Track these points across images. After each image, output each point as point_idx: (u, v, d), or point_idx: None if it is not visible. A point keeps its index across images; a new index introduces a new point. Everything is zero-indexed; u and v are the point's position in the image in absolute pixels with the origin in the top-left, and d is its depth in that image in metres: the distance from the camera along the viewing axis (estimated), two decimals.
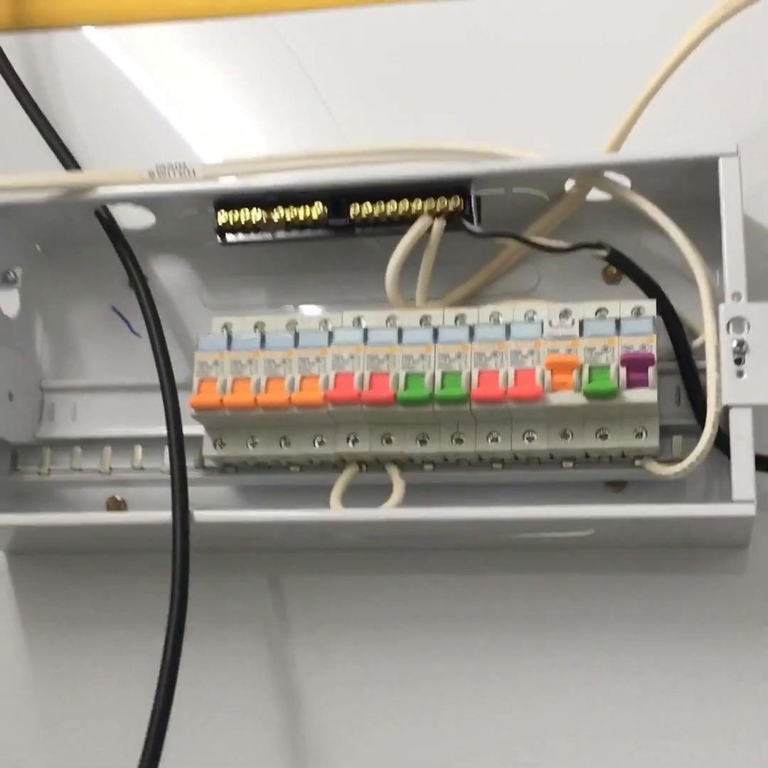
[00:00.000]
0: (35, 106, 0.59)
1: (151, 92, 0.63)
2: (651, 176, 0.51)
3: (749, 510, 0.46)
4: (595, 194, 0.53)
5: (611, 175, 0.52)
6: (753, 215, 0.54)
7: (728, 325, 0.47)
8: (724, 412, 0.47)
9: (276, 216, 0.53)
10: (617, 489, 0.52)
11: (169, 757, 0.48)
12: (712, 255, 0.49)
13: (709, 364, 0.48)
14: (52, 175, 0.55)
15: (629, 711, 0.52)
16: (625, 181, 0.52)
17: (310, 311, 0.56)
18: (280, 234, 0.54)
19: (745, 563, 0.52)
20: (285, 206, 0.53)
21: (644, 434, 0.49)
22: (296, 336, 0.51)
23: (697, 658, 0.51)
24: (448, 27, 0.59)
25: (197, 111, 0.62)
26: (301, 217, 0.53)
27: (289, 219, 0.53)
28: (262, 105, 0.62)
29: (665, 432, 0.50)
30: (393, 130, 0.58)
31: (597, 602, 0.52)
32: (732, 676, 0.51)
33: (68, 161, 0.58)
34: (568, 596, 0.53)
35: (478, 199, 0.52)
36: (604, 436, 0.49)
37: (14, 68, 0.61)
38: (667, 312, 0.51)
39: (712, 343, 0.48)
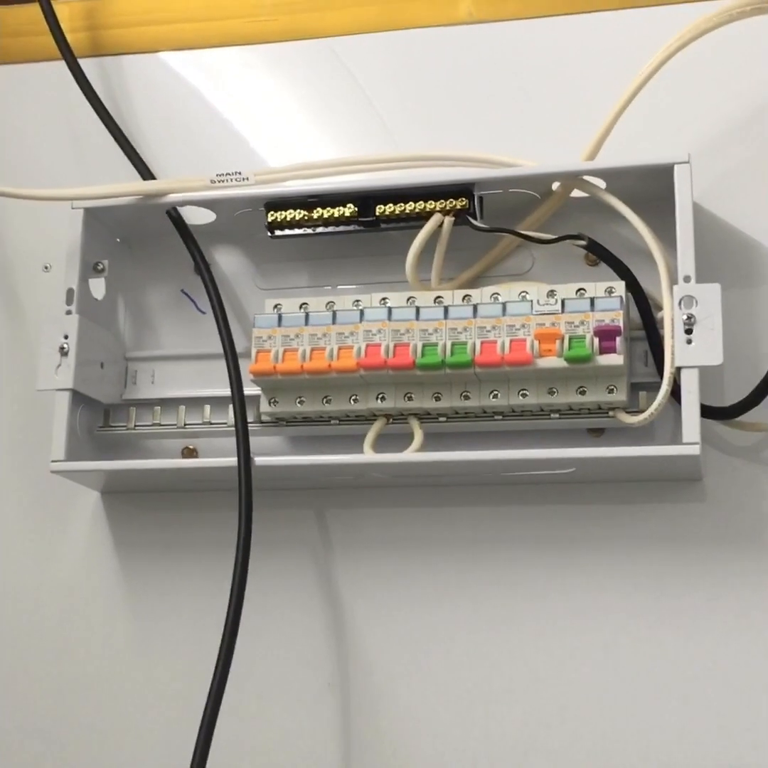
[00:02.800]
0: (117, 126, 0.71)
1: (222, 108, 0.74)
2: (621, 179, 0.62)
3: (695, 450, 0.57)
4: (577, 193, 0.64)
5: (589, 178, 0.63)
6: (711, 209, 0.65)
7: (680, 302, 0.58)
8: (679, 372, 0.58)
9: (315, 215, 0.65)
10: (597, 435, 0.64)
11: (238, 651, 0.60)
12: (671, 242, 0.60)
13: (666, 333, 0.59)
14: (132, 185, 0.67)
15: (612, 616, 0.63)
16: (600, 183, 0.63)
17: (346, 291, 0.67)
18: (319, 229, 0.65)
19: (704, 494, 0.63)
20: (323, 207, 0.65)
21: (615, 390, 0.60)
22: (334, 314, 0.63)
23: (661, 571, 0.62)
24: (463, 52, 0.70)
25: (262, 123, 0.73)
26: (336, 215, 0.64)
27: (326, 216, 0.65)
28: (319, 116, 0.73)
29: (636, 388, 0.62)
30: (423, 137, 0.69)
31: (581, 528, 0.64)
32: (694, 585, 0.62)
33: (145, 172, 0.69)
34: (558, 523, 0.64)
35: (481, 198, 0.64)
36: (583, 392, 0.60)
37: (96, 91, 0.72)
38: (636, 290, 0.62)
39: (669, 316, 0.59)
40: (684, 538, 0.63)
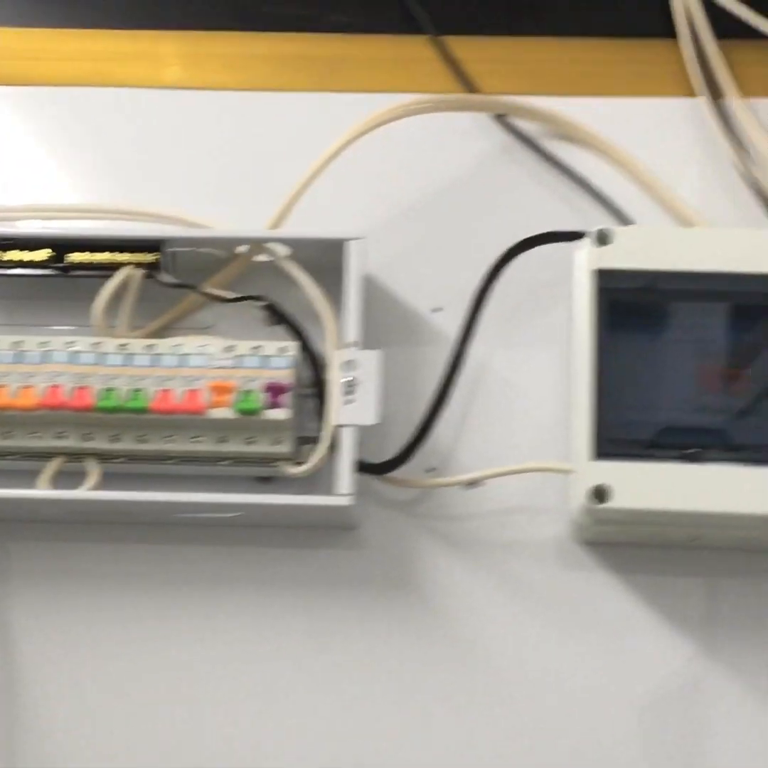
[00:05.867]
0: None
1: None
2: (302, 248, 0.67)
3: (347, 501, 0.62)
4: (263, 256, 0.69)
5: (273, 245, 0.68)
6: (386, 281, 0.71)
7: (343, 365, 0.64)
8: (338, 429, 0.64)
9: (6, 257, 0.67)
10: (266, 482, 0.68)
11: None
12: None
13: (328, 393, 0.64)
14: None
15: (271, 650, 0.67)
16: (284, 250, 0.68)
17: (37, 332, 0.70)
18: (12, 271, 0.68)
19: (359, 542, 0.68)
20: (20, 249, 0.67)
21: (280, 442, 0.65)
22: (20, 354, 0.65)
23: (317, 610, 0.67)
24: (169, 115, 0.75)
25: None
26: (27, 260, 0.67)
27: (16, 260, 0.67)
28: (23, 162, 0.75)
29: (305, 441, 0.67)
30: (119, 192, 0.73)
31: (248, 569, 0.68)
32: (346, 624, 0.67)
33: None
34: (225, 564, 0.68)
35: (174, 253, 0.68)
36: (251, 442, 0.65)
37: None
38: (309, 350, 0.67)
39: (332, 378, 0.64)
40: (338, 581, 0.68)
